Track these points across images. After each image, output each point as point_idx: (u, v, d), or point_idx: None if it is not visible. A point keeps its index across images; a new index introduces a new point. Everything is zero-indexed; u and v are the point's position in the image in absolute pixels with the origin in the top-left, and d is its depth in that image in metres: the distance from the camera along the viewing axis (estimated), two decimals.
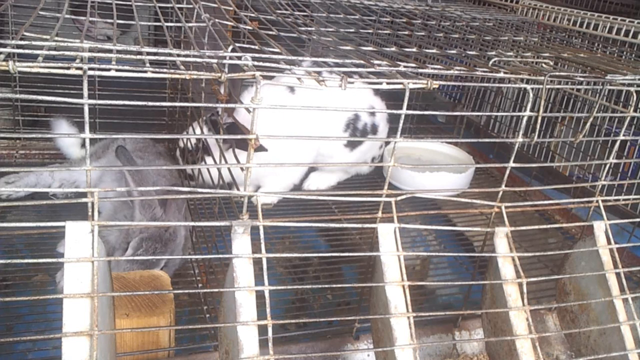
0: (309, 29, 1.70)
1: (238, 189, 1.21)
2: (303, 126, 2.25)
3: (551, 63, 1.59)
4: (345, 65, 1.22)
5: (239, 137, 1.10)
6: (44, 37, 1.05)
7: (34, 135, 2.40)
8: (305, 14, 1.95)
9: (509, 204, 1.41)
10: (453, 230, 2.36)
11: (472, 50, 1.67)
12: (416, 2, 2.69)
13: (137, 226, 1.77)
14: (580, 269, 1.51)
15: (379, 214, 1.29)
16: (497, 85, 1.34)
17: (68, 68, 0.94)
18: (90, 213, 1.03)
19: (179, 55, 1.10)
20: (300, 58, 1.22)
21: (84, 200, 1.03)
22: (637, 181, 1.94)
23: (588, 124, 1.46)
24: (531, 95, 1.29)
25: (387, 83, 1.17)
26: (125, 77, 0.97)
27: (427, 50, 1.55)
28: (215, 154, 1.99)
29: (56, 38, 1.04)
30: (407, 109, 1.20)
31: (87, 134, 1.00)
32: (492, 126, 3.40)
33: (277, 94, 2.26)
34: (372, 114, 2.49)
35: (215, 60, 1.10)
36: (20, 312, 1.66)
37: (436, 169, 2.49)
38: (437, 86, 1.19)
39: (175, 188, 1.16)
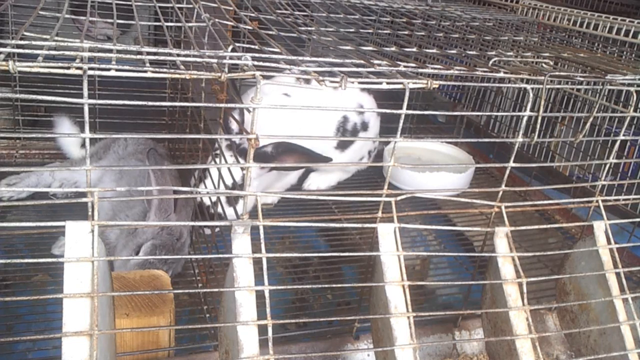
0: (309, 29, 1.70)
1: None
2: (295, 129, 2.22)
3: (551, 63, 1.59)
4: (344, 65, 1.22)
5: (238, 137, 1.10)
6: (44, 37, 1.05)
7: (34, 135, 2.41)
8: (305, 13, 1.95)
9: (509, 204, 1.40)
10: (453, 230, 2.35)
11: (472, 50, 1.67)
12: (416, 2, 2.69)
13: (138, 227, 1.78)
14: (580, 269, 1.51)
15: (379, 214, 1.29)
16: (497, 85, 1.34)
17: (68, 68, 0.94)
18: (90, 213, 1.03)
19: (179, 55, 1.10)
20: (300, 58, 1.22)
21: (84, 200, 1.03)
22: (637, 181, 1.93)
23: (588, 124, 1.46)
24: (531, 95, 1.28)
25: (387, 83, 1.17)
26: (125, 77, 0.97)
27: (427, 50, 1.55)
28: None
29: (56, 38, 1.04)
30: (407, 108, 1.20)
31: (87, 134, 1.00)
32: (492, 126, 3.40)
33: (272, 97, 2.24)
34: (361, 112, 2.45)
35: (215, 60, 1.10)
36: (20, 312, 1.66)
37: (436, 169, 2.49)
38: (437, 86, 1.19)
39: (177, 188, 1.16)
